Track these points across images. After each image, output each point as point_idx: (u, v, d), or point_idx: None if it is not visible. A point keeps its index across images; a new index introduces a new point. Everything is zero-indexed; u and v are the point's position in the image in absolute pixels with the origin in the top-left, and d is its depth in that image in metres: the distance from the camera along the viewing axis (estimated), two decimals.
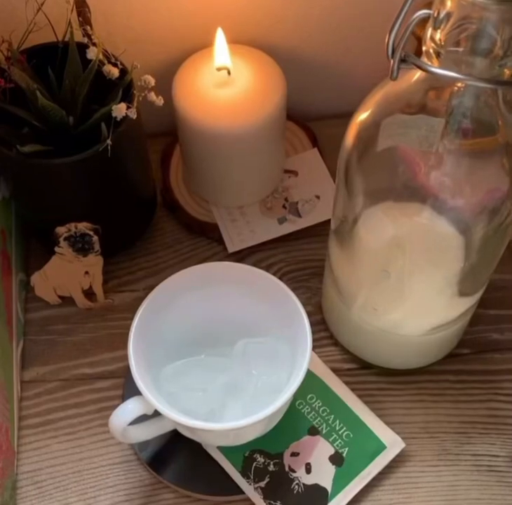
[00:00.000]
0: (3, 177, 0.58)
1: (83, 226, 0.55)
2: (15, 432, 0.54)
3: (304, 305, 0.49)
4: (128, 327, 0.48)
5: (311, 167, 0.66)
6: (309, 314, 0.49)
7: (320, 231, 0.63)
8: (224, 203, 0.64)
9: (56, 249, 0.56)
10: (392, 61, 0.36)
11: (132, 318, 0.48)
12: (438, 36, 0.35)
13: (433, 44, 0.36)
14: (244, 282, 0.51)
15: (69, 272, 0.58)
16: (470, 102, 0.38)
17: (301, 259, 0.63)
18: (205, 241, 0.64)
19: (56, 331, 0.60)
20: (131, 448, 0.54)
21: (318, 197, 0.64)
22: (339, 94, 0.67)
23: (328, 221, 0.52)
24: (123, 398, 0.56)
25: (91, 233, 0.55)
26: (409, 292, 0.47)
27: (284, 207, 0.64)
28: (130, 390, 0.53)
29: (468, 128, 0.39)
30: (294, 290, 0.53)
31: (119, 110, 0.49)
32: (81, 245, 0.56)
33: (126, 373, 0.56)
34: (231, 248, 0.62)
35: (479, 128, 0.39)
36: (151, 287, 0.50)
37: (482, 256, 0.45)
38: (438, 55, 0.36)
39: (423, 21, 0.36)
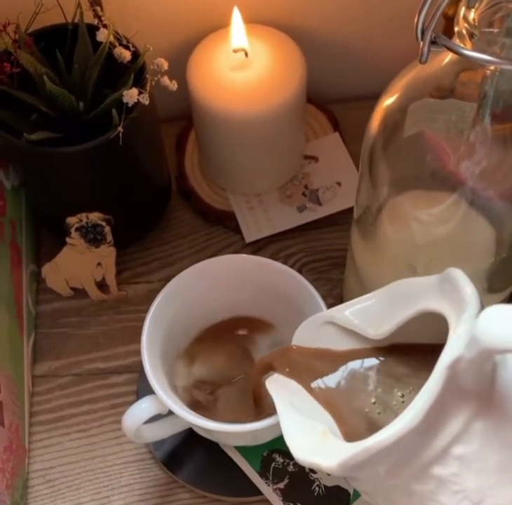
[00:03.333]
0: (12, 166, 0.56)
1: (95, 217, 0.53)
2: (25, 429, 0.53)
3: (325, 297, 0.48)
4: (142, 320, 0.46)
5: (332, 152, 0.64)
6: (330, 307, 0.47)
7: (341, 219, 0.61)
8: (241, 190, 0.62)
9: (67, 240, 0.54)
10: (422, 43, 0.34)
11: (146, 311, 0.47)
12: (471, 15, 0.33)
13: (466, 24, 0.33)
14: (261, 275, 0.49)
15: (80, 263, 0.56)
16: (504, 87, 0.35)
17: (322, 250, 0.61)
18: (222, 230, 0.62)
19: (68, 324, 0.58)
20: (146, 446, 0.53)
21: (339, 184, 0.62)
22: (362, 76, 0.64)
23: (350, 210, 0.50)
24: (138, 394, 0.54)
25: (103, 223, 0.53)
26: None
27: (304, 194, 0.62)
28: (144, 386, 0.51)
29: (502, 114, 0.36)
30: (314, 281, 0.51)
31: (130, 96, 0.46)
32: (92, 236, 0.54)
33: (140, 368, 0.54)
34: (249, 238, 0.60)
35: None
36: (166, 279, 0.49)
37: None
38: (471, 36, 0.33)
39: None
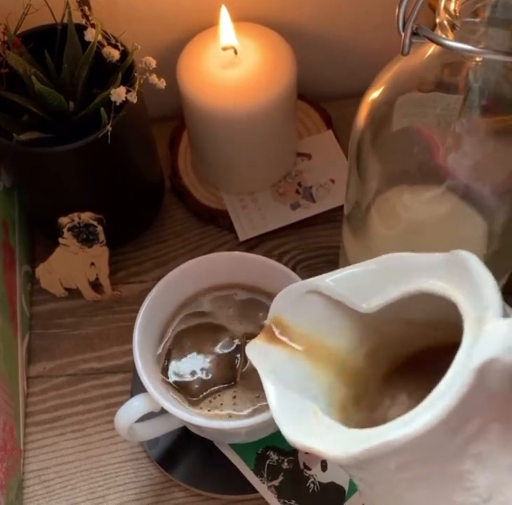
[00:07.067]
0: (4, 167, 0.56)
1: (87, 216, 0.53)
2: (20, 429, 0.53)
3: None
4: None
5: (325, 149, 0.64)
6: None
7: (335, 216, 0.60)
8: (235, 189, 0.62)
9: (60, 240, 0.54)
10: (403, 35, 0.33)
11: None
12: (452, 6, 0.33)
13: (447, 15, 0.33)
14: (254, 272, 0.49)
15: (74, 264, 0.56)
16: (489, 77, 0.35)
17: (316, 247, 0.61)
18: (216, 229, 0.62)
19: (63, 324, 0.58)
20: (140, 445, 0.53)
21: (332, 181, 0.62)
22: (353, 72, 0.64)
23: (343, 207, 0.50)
24: (132, 394, 0.54)
25: (95, 223, 0.53)
26: None
27: (297, 192, 0.62)
28: (139, 385, 0.51)
29: (488, 105, 0.36)
30: (308, 278, 0.51)
31: (118, 94, 0.46)
32: (85, 236, 0.54)
33: (134, 367, 0.54)
34: (243, 236, 0.60)
35: (499, 104, 0.37)
36: (160, 278, 0.48)
37: (505, 243, 0.42)
38: (452, 27, 0.33)
39: None
